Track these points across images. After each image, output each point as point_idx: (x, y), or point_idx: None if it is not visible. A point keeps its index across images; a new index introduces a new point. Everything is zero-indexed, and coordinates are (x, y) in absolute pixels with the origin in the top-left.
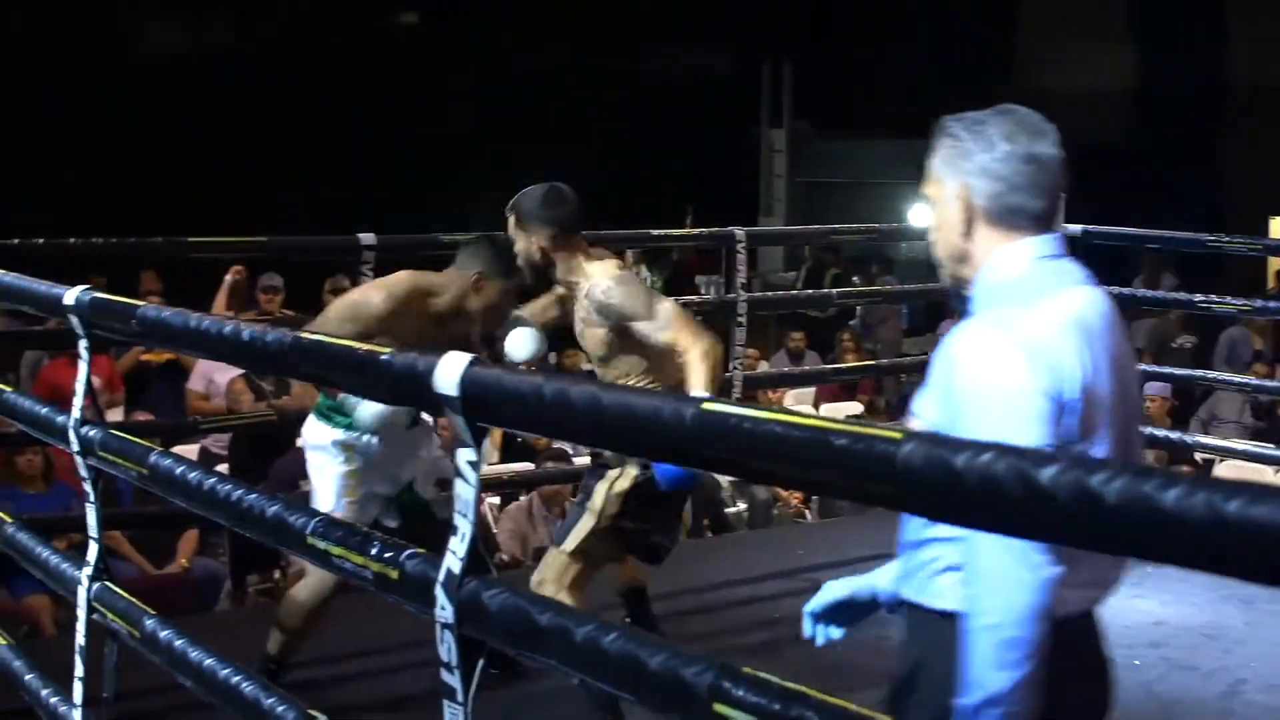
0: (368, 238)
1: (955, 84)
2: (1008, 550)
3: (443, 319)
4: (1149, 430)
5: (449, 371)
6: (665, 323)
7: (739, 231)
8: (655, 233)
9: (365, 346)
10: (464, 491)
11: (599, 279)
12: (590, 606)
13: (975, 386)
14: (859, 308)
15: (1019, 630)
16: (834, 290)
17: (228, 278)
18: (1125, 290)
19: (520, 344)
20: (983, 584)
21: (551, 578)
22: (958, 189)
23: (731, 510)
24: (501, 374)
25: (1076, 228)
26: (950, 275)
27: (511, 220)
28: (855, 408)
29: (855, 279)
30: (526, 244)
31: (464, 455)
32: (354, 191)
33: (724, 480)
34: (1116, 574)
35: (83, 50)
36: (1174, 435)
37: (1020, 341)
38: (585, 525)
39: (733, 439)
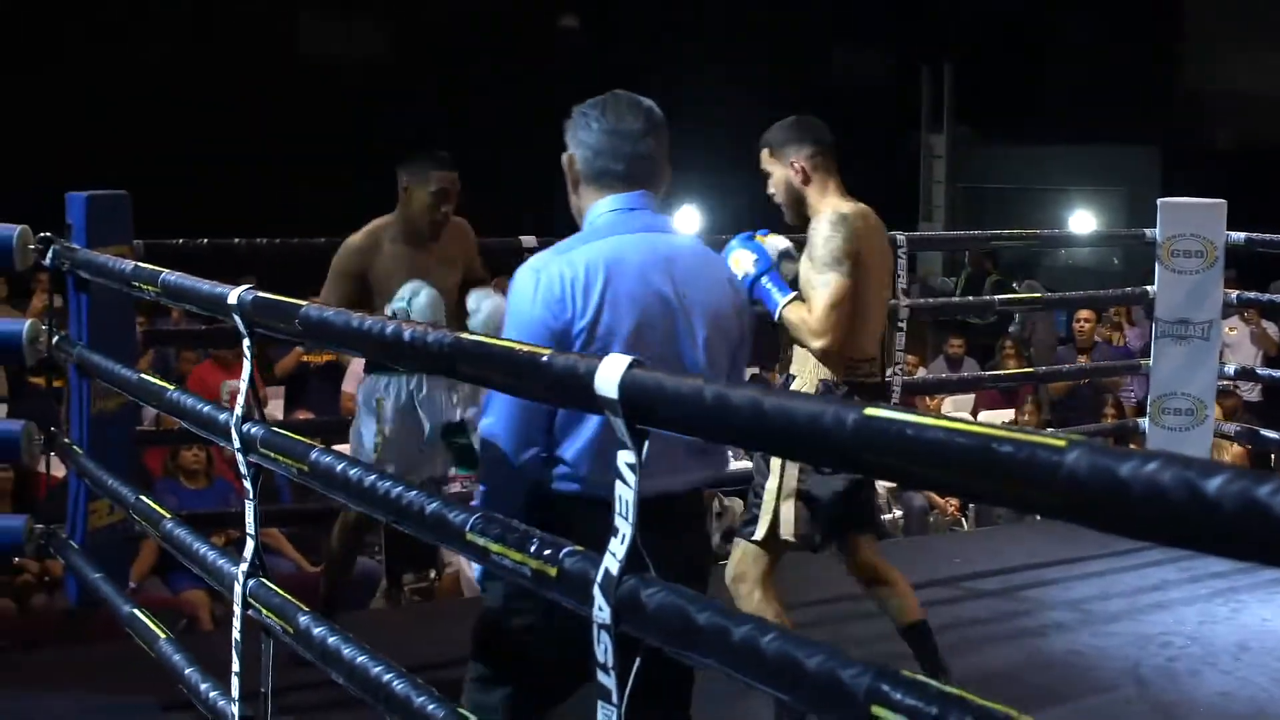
0: (529, 240)
1: (1118, 88)
2: (502, 434)
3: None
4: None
5: (609, 373)
6: (821, 289)
7: (900, 236)
8: None
9: (526, 347)
10: (624, 493)
11: (828, 213)
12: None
13: (509, 305)
14: (1016, 315)
15: (500, 498)
16: (996, 297)
17: None
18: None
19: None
20: (484, 459)
21: (746, 570)
22: (567, 159)
23: (887, 517)
24: (662, 377)
25: (1240, 235)
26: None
27: (765, 153)
28: (1013, 415)
29: (1015, 285)
30: (785, 171)
31: (624, 457)
32: (505, 196)
33: (880, 487)
34: (686, 463)
35: (245, 52)
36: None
37: (542, 276)
38: (768, 505)
39: (894, 445)
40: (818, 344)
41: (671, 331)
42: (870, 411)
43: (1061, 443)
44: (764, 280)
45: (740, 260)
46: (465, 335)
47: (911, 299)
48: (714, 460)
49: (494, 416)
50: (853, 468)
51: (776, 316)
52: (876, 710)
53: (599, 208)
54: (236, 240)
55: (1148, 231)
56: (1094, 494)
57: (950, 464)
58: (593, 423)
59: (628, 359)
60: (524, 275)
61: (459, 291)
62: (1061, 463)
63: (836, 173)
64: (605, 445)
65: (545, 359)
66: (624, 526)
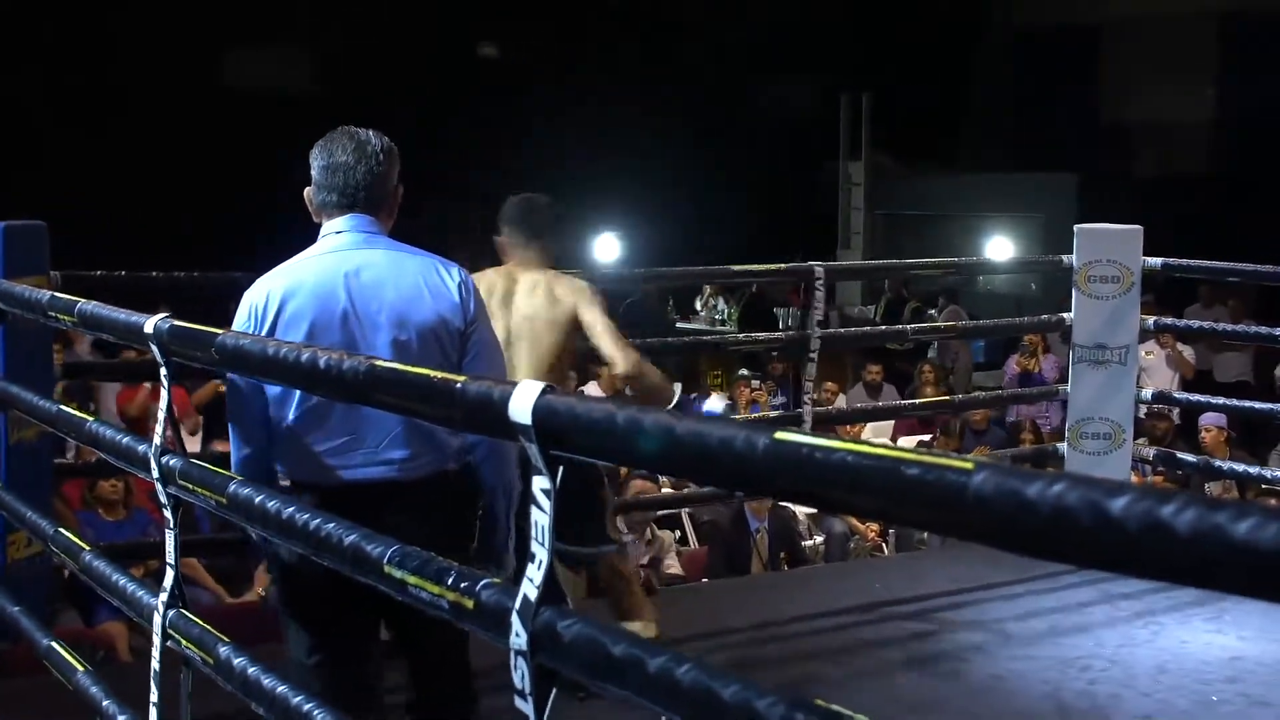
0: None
1: (1035, 116)
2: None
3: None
4: (1215, 462)
5: (522, 400)
6: None
7: (818, 267)
8: (735, 268)
9: (441, 375)
10: (539, 519)
11: None
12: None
13: None
14: (934, 341)
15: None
16: (909, 326)
17: None
18: (1208, 325)
19: None
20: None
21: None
22: (307, 191)
23: (808, 543)
24: (574, 402)
25: (1156, 261)
26: None
27: None
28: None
29: (930, 311)
30: None
31: (539, 483)
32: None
33: (800, 513)
34: (352, 451)
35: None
36: (1239, 467)
37: (242, 302)
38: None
39: (805, 469)
40: None
41: (349, 339)
42: (780, 436)
43: (969, 465)
44: None
45: None
46: (380, 364)
47: (824, 329)
48: (440, 447)
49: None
50: (764, 491)
51: None
52: None
53: (323, 230)
54: (155, 273)
55: (1065, 258)
56: (1001, 515)
57: (859, 487)
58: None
59: (540, 385)
60: (249, 289)
61: None
62: (968, 484)
63: (531, 253)
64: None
65: (459, 386)
66: (540, 552)
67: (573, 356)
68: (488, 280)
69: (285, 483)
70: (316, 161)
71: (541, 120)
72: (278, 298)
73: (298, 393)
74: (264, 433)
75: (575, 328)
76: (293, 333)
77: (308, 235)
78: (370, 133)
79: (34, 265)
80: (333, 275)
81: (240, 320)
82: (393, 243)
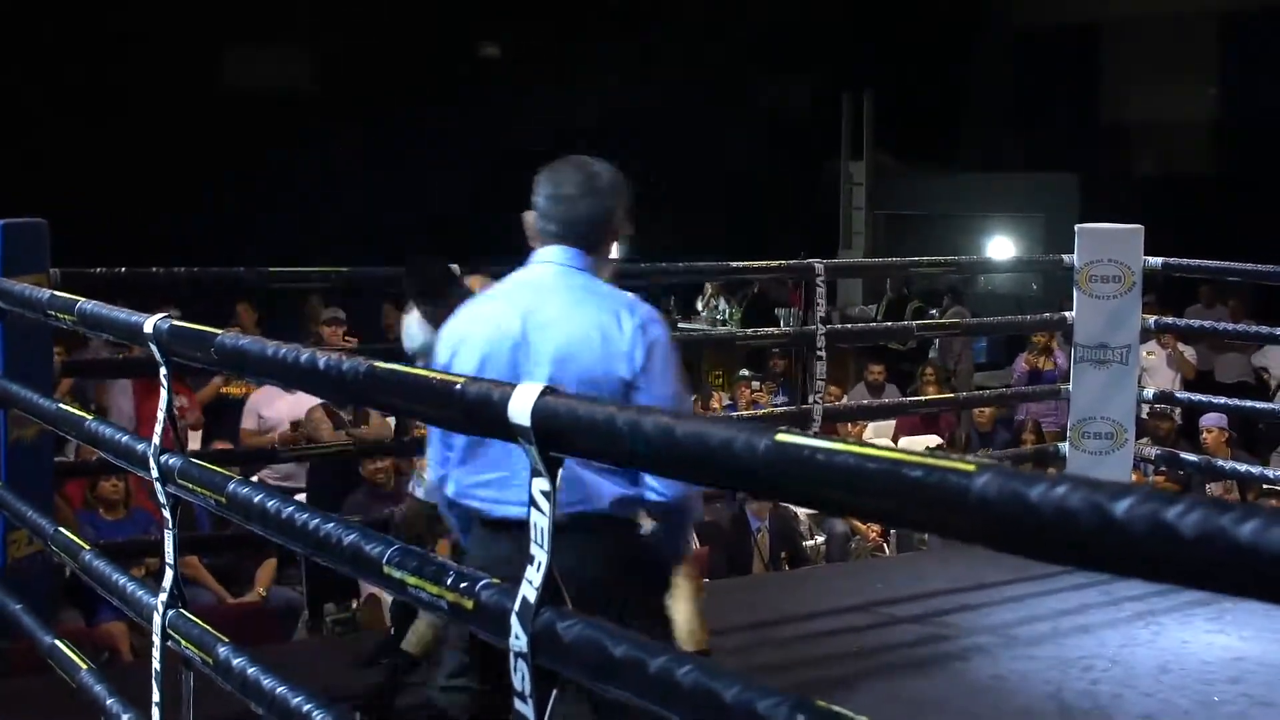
0: (455, 269)
1: (1037, 116)
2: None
3: None
4: (1217, 462)
5: (522, 401)
6: None
7: (819, 264)
8: (736, 265)
9: (440, 375)
10: (539, 520)
11: None
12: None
13: None
14: (936, 340)
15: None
16: (914, 323)
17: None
18: (1209, 324)
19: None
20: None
21: None
22: (528, 216)
23: (809, 543)
24: (575, 403)
25: (1157, 260)
26: None
27: None
28: (935, 440)
29: (933, 311)
30: None
31: (538, 485)
32: (443, 224)
33: (801, 514)
34: (507, 487)
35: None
36: (1240, 467)
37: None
38: None
39: (806, 470)
40: None
41: (514, 372)
42: (781, 437)
43: (971, 466)
44: None
45: None
46: (380, 365)
47: (829, 325)
48: (593, 494)
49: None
50: (765, 493)
51: None
52: None
53: (531, 259)
54: (155, 269)
55: (1066, 257)
56: (1004, 517)
57: (861, 488)
58: None
59: (540, 386)
60: None
61: None
62: (971, 487)
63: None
64: None
65: (459, 387)
66: (540, 554)
67: None
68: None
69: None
70: (542, 189)
71: (541, 119)
72: (465, 320)
73: None
74: (446, 458)
75: None
76: (466, 356)
77: (309, 232)
78: (600, 165)
79: (34, 263)
80: (516, 305)
81: (441, 341)
82: (590, 281)
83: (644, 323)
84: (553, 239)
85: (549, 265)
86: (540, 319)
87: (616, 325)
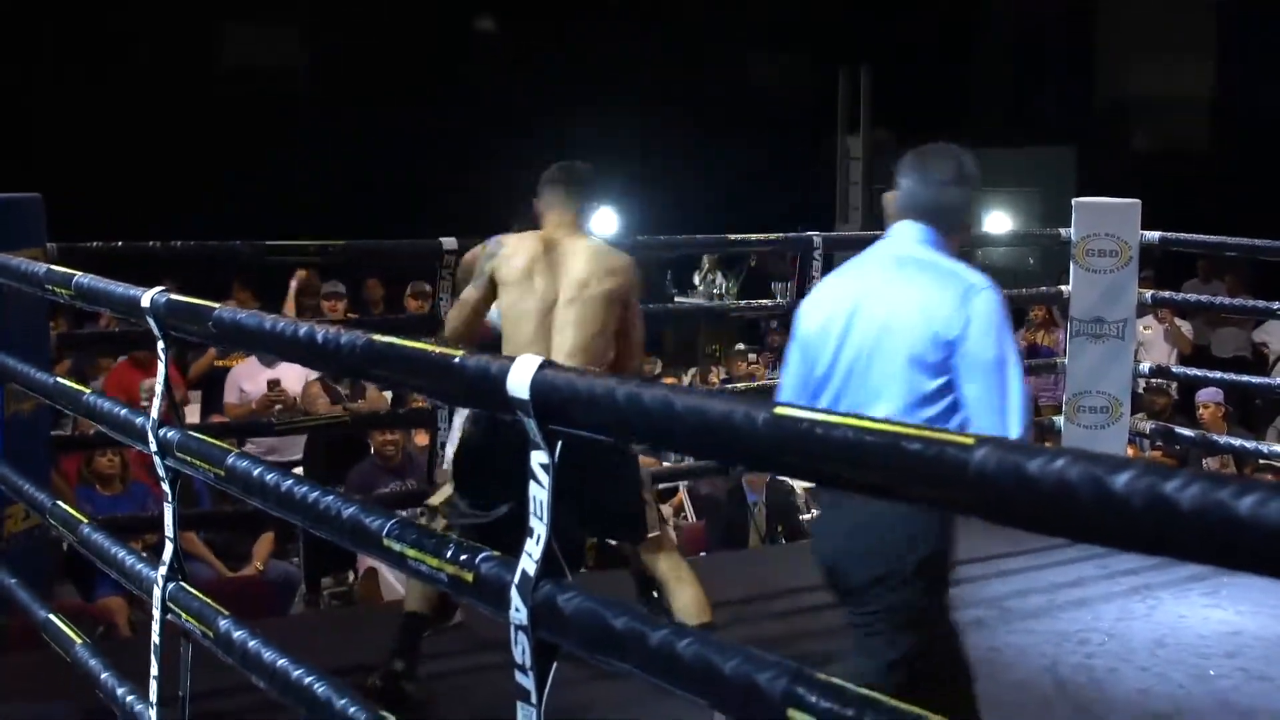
0: (449, 242)
1: (1034, 90)
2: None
3: None
4: (1212, 436)
5: (521, 374)
6: None
7: (816, 237)
8: (733, 237)
9: (439, 349)
10: (538, 494)
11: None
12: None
13: None
14: None
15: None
16: None
17: (293, 282)
18: (1205, 299)
19: None
20: None
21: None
22: (889, 196)
23: (806, 517)
24: (574, 377)
25: (1154, 235)
26: None
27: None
28: None
29: None
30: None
31: (537, 458)
32: (433, 199)
33: (798, 487)
34: None
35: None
36: (1236, 442)
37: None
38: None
39: (804, 443)
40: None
41: (841, 339)
42: (780, 410)
43: (970, 440)
44: None
45: None
46: (378, 338)
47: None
48: None
49: (1016, 418)
50: (764, 466)
51: None
52: (793, 713)
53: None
54: (151, 243)
55: (1063, 231)
56: (1002, 490)
57: (859, 462)
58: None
59: (539, 360)
60: None
61: None
62: (969, 460)
63: (546, 211)
64: None
65: (457, 360)
66: (539, 528)
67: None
68: (527, 247)
69: None
70: (912, 173)
71: (537, 96)
72: (819, 287)
73: (813, 374)
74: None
75: (623, 306)
76: (808, 321)
77: (308, 205)
78: (966, 156)
79: (30, 238)
80: (861, 276)
81: (800, 306)
82: (931, 258)
83: (970, 295)
84: (913, 217)
85: (901, 240)
86: (875, 289)
87: (944, 298)
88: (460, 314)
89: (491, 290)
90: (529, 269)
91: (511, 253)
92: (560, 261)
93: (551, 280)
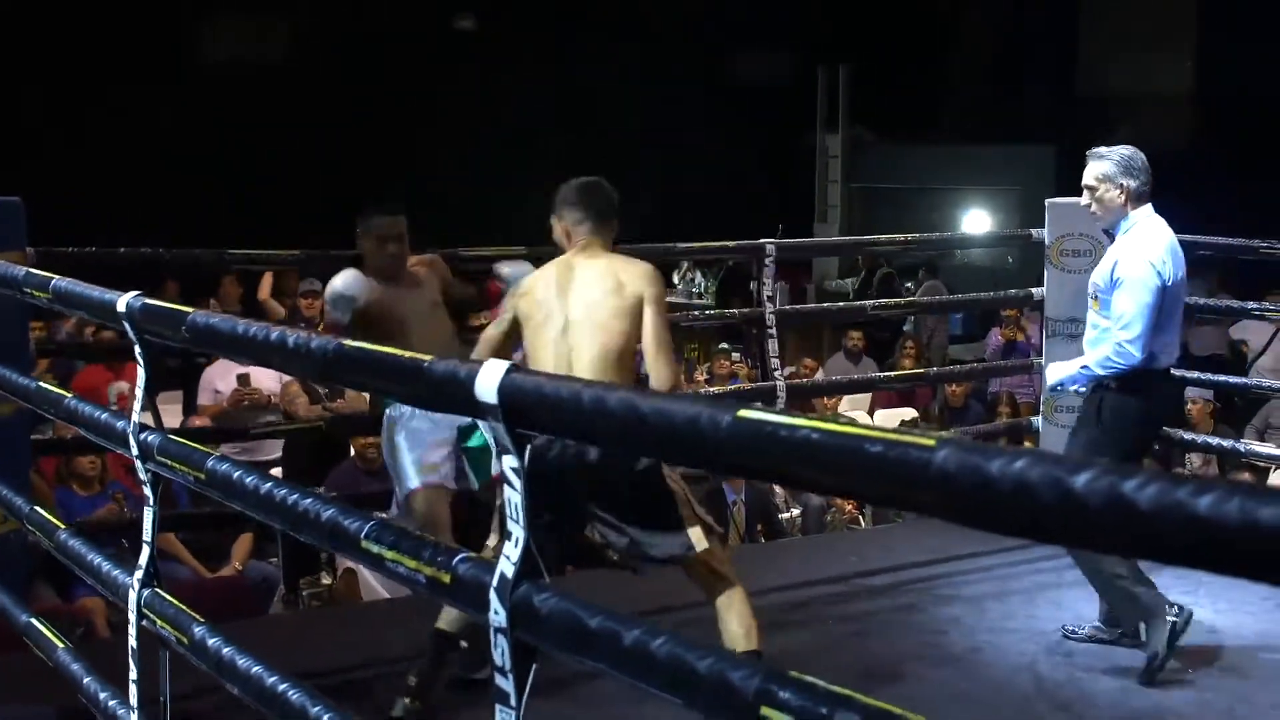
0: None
1: (1013, 88)
2: (1142, 335)
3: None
4: (1186, 435)
5: (489, 379)
6: None
7: (769, 244)
8: (681, 246)
9: (409, 354)
10: (512, 496)
11: None
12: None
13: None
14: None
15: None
16: (869, 303)
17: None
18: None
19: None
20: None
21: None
22: (1105, 188)
23: (785, 516)
24: (541, 381)
25: None
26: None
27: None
28: (910, 414)
29: (908, 285)
30: (559, 226)
31: (508, 461)
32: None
33: (777, 486)
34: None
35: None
36: (1225, 443)
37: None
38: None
39: (768, 446)
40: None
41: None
42: (743, 413)
43: (931, 441)
44: None
45: None
46: (348, 343)
47: (778, 307)
48: None
49: (1135, 327)
50: (728, 469)
51: None
52: (766, 711)
53: (1138, 215)
54: (123, 249)
55: (1035, 231)
56: (964, 491)
57: (822, 464)
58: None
59: (506, 364)
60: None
61: (453, 310)
62: (931, 461)
63: (597, 238)
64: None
65: (425, 365)
66: (516, 530)
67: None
68: (544, 277)
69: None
70: (1137, 173)
71: (514, 93)
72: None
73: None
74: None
75: (640, 315)
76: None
77: (287, 210)
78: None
79: (10, 241)
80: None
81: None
82: (1150, 226)
83: (1124, 261)
84: (1148, 199)
85: (1149, 217)
86: (1111, 250)
87: (1115, 258)
88: (480, 353)
89: (515, 328)
90: (545, 298)
91: (529, 288)
92: (574, 282)
93: (564, 302)
